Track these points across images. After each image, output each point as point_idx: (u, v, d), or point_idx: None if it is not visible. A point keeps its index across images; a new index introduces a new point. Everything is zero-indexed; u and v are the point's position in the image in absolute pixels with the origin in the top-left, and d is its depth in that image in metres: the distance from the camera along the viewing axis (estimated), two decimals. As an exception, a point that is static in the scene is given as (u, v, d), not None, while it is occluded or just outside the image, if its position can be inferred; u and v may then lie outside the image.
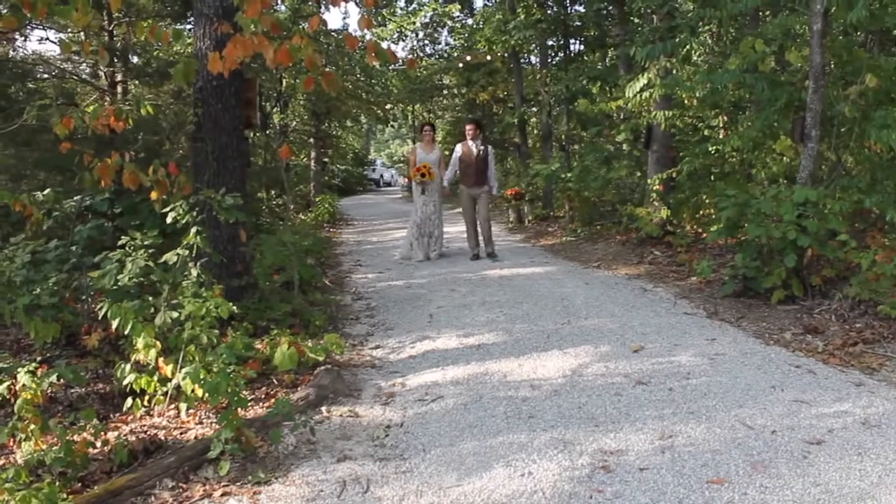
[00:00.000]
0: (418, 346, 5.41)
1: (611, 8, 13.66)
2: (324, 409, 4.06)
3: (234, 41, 3.17)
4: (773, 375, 4.31)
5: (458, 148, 9.67)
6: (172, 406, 3.95)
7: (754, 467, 3.09)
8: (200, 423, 3.87)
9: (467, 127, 9.82)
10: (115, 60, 9.50)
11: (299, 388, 4.38)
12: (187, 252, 4.16)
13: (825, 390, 4.03)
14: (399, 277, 8.51)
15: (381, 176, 47.40)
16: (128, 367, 3.82)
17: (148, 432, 3.71)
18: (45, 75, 9.64)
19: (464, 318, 6.21)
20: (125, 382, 3.82)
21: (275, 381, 4.55)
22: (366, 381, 4.61)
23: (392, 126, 35.13)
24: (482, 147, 9.53)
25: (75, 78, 10.17)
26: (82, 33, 8.43)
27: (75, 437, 3.31)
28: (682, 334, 5.35)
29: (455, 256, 9.80)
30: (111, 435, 3.61)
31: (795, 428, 3.49)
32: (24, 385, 3.33)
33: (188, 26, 9.59)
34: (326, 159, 26.43)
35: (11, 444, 3.46)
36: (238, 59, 3.21)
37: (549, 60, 16.07)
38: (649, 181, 10.04)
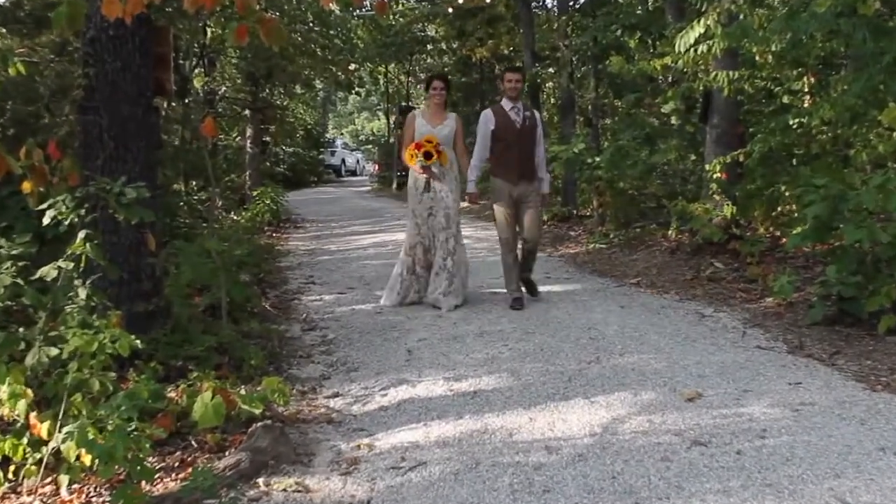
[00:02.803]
0: (392, 393, 5.39)
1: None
2: (261, 480, 4.01)
3: (137, -26, 3.14)
4: (882, 433, 4.29)
5: (488, 117, 7.78)
6: (49, 479, 3.88)
7: (856, 560, 3.06)
8: (88, 502, 3.81)
9: (508, 78, 7.83)
10: (-26, 1, 9.44)
11: (228, 453, 4.33)
12: (73, 265, 4.12)
13: (952, 453, 4.01)
14: (366, 300, 8.50)
15: (344, 161, 47.60)
16: (-13, 425, 3.76)
17: (15, 516, 3.65)
18: None
19: (454, 354, 6.20)
20: (-17, 447, 3.75)
21: (194, 442, 4.50)
22: (320, 441, 4.58)
23: (357, 94, 35.19)
24: (528, 113, 7.77)
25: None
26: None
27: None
28: (754, 376, 5.34)
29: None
30: (-37, 520, 3.56)
31: (912, 505, 3.47)
32: None
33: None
34: (268, 138, 26.41)
35: None
36: (144, -1, 3.17)
37: (571, 3, 16.13)
38: (707, 167, 10.06)
